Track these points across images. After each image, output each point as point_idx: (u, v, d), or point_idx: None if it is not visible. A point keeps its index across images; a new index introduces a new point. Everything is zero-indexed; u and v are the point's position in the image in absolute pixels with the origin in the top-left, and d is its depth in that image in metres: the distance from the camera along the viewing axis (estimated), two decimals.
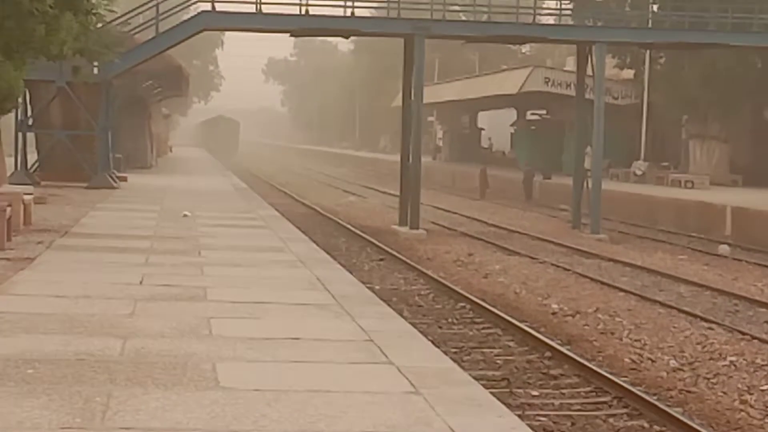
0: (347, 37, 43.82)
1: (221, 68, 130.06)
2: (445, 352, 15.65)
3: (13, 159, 37.26)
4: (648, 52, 50.45)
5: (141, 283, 14.08)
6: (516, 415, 12.20)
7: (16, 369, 8.68)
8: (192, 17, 35.04)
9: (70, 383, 8.28)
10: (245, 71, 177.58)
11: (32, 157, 39.32)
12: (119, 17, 34.23)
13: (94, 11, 22.61)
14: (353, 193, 56.93)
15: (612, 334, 17.79)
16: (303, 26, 35.08)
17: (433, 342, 16.37)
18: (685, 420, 11.96)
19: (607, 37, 36.58)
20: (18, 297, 12.66)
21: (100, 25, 27.52)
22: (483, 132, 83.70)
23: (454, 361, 15.10)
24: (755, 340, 17.14)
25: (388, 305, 19.13)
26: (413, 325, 17.67)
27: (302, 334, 10.71)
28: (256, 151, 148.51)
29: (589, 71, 36.35)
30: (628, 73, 56.73)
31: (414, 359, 9.85)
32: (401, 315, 18.74)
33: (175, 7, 36.77)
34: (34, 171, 37.60)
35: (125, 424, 7.24)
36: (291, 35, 36.69)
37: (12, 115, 34.68)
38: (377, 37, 51.79)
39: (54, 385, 8.21)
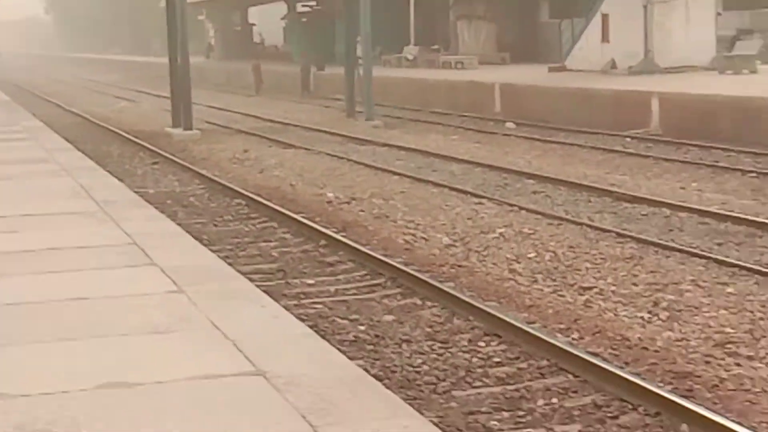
0: None
1: None
2: (221, 249, 15.72)
3: None
4: None
5: None
6: (292, 303, 12.44)
7: None
8: None
9: None
10: None
11: None
12: None
13: None
14: (125, 99, 55.62)
15: (387, 217, 17.99)
16: None
17: (208, 240, 16.43)
18: (455, 293, 12.24)
19: None
20: None
21: None
22: (255, 27, 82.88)
23: (230, 257, 15.20)
24: (522, 211, 17.65)
25: (159, 208, 19.05)
26: (187, 225, 17.66)
27: (62, 244, 10.50)
28: (21, 64, 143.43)
29: None
30: None
31: (179, 258, 9.79)
32: (176, 216, 18.71)
33: None
34: None
35: None
36: None
37: None
38: None
39: None
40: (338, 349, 10.12)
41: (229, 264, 14.38)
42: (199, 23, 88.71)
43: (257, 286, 13.07)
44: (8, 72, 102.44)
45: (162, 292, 8.41)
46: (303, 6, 69.48)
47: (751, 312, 11.15)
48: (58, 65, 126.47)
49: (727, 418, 7.99)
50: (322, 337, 10.73)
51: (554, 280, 13.11)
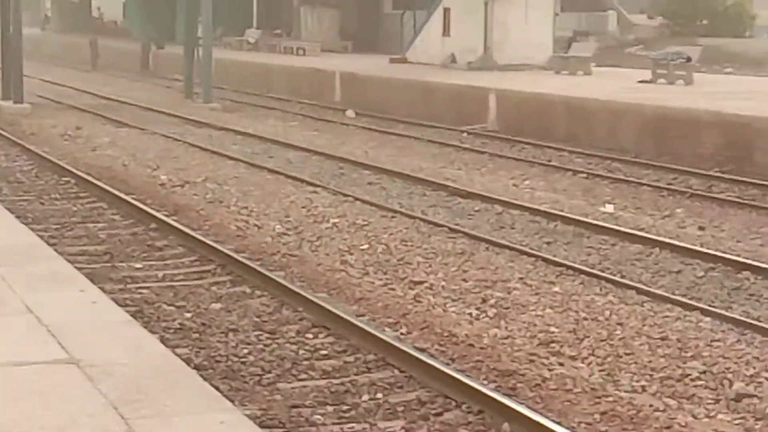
0: None
1: None
2: (46, 229, 15.31)
3: None
4: None
5: None
6: (118, 288, 12.15)
7: None
8: None
9: None
10: None
11: None
12: None
13: None
14: None
15: (220, 202, 17.79)
16: None
17: (33, 219, 15.98)
18: (285, 283, 12.11)
19: None
20: None
21: None
22: (93, 1, 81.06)
23: (55, 237, 14.79)
24: (357, 202, 17.61)
25: None
26: (12, 202, 17.22)
27: None
28: None
29: None
30: None
31: None
32: (1, 192, 18.17)
33: None
34: None
35: None
36: None
37: None
38: None
39: None
40: (162, 337, 9.97)
41: (54, 245, 14.09)
42: None
43: (82, 268, 12.81)
44: None
45: None
46: None
47: (576, 312, 11.29)
48: None
49: (547, 417, 8.04)
50: (146, 324, 10.57)
51: (385, 273, 13.09)
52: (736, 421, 8.31)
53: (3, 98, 33.46)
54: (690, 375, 9.34)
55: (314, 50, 46.73)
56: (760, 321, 11.10)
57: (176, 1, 54.40)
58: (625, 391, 8.96)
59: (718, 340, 10.36)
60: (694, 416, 8.41)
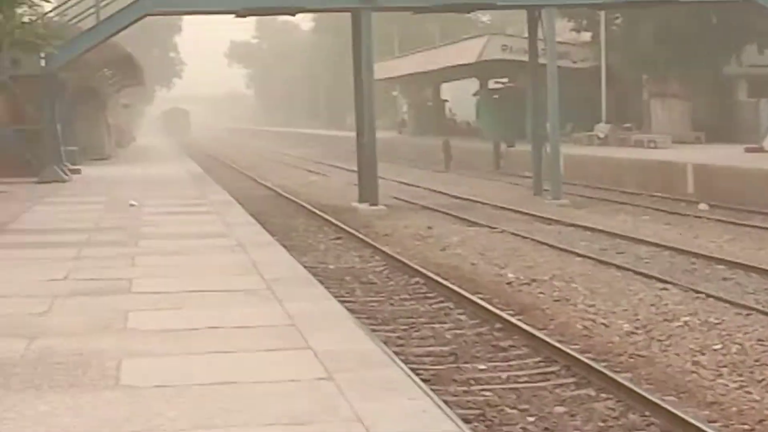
0: (293, 15, 43.06)
1: (183, 54, 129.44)
2: (394, 330, 15.41)
3: None
4: (603, 13, 50.00)
5: (65, 278, 13.68)
6: (461, 390, 11.99)
7: None
8: (133, 2, 34.28)
9: None
10: (208, 56, 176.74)
11: None
12: (56, 7, 33.61)
13: (22, 2, 22.05)
14: (317, 173, 56.55)
15: (566, 300, 17.44)
16: (247, 6, 34.47)
17: (382, 320, 16.14)
18: (632, 386, 11.57)
19: (556, 0, 36.11)
20: None
21: (34, 17, 27.02)
22: (447, 103, 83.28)
23: (402, 338, 14.86)
24: (710, 299, 16.81)
25: (336, 284, 18.93)
26: (363, 303, 17.49)
27: (222, 323, 10.31)
28: (221, 136, 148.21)
29: (541, 36, 35.92)
30: (586, 36, 56.33)
31: (334, 342, 9.44)
32: (353, 293, 18.54)
33: None
34: None
35: (5, 431, 6.82)
36: (236, 16, 36.02)
37: None
38: (337, 13, 50.99)
39: None
40: None
41: (401, 345, 14.20)
42: (392, 99, 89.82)
43: (427, 369, 12.82)
44: (208, 144, 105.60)
45: (311, 378, 8.05)
46: (495, 82, 69.42)
47: None
48: (257, 138, 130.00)
49: None
50: (488, 427, 10.35)
51: (741, 376, 12.33)
52: None
53: (360, 201, 34.58)
54: None
55: (665, 142, 45.88)
56: None
57: (525, 101, 55.10)
58: None
59: None
60: None
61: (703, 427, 9.96)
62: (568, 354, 13.24)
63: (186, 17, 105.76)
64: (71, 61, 35.12)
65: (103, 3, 34.80)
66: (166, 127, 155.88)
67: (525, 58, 50.71)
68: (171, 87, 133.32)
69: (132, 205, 24.62)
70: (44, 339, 9.67)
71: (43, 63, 34.05)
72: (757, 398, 11.34)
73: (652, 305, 16.55)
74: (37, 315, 10.96)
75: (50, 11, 33.46)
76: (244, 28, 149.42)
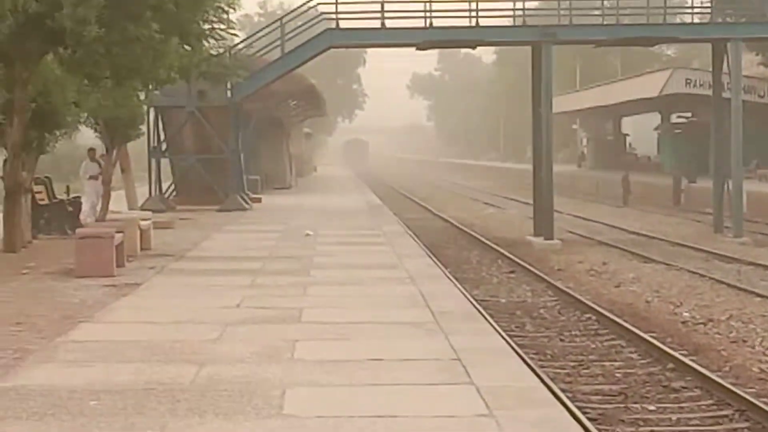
0: (474, 48, 43.12)
1: (365, 86, 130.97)
2: (563, 366, 15.23)
3: (147, 185, 37.95)
4: None
5: (238, 306, 13.99)
6: (629, 431, 11.75)
7: (78, 401, 8.54)
8: (317, 35, 34.94)
9: (128, 415, 8.08)
10: (390, 88, 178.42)
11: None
12: (243, 40, 34.45)
13: (208, 35, 22.64)
14: (493, 205, 56.47)
15: (744, 342, 16.96)
16: (427, 39, 34.85)
17: (551, 355, 15.98)
18: None
19: (742, 33, 35.34)
20: (108, 325, 12.67)
21: (221, 49, 27.75)
22: (627, 137, 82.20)
23: (571, 375, 14.67)
24: None
25: (506, 319, 18.82)
26: (533, 338, 17.35)
27: (386, 355, 10.38)
28: (401, 168, 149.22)
29: (726, 69, 35.18)
30: None
31: (497, 379, 9.41)
32: (523, 328, 18.42)
33: (301, 26, 36.83)
34: (170, 196, 38.04)
35: None
36: (417, 48, 36.34)
37: (145, 141, 35.32)
38: (519, 47, 50.90)
39: (110, 417, 8.01)
40: None
41: (569, 383, 14.02)
42: (572, 132, 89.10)
43: (594, 408, 12.63)
44: (388, 175, 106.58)
45: (471, 415, 8.04)
46: (678, 117, 68.18)
47: None
48: (436, 170, 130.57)
49: None
50: None
51: None
52: None
53: (535, 234, 34.37)
54: None
55: None
56: None
57: (709, 136, 53.96)
58: None
59: None
60: None
61: None
62: (742, 397, 12.87)
63: (369, 50, 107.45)
64: (256, 92, 35.94)
65: (289, 36, 35.52)
66: (346, 156, 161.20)
67: (710, 92, 49.93)
68: (353, 118, 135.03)
69: (308, 235, 25.01)
70: (213, 366, 9.89)
71: (229, 94, 35.04)
72: None
73: None
74: (208, 342, 11.22)
75: (238, 44, 34.28)
76: (426, 61, 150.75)
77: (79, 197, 26.32)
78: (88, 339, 11.53)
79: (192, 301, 14.42)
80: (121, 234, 18.10)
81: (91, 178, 26.67)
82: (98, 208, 26.10)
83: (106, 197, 26.58)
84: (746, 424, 12.01)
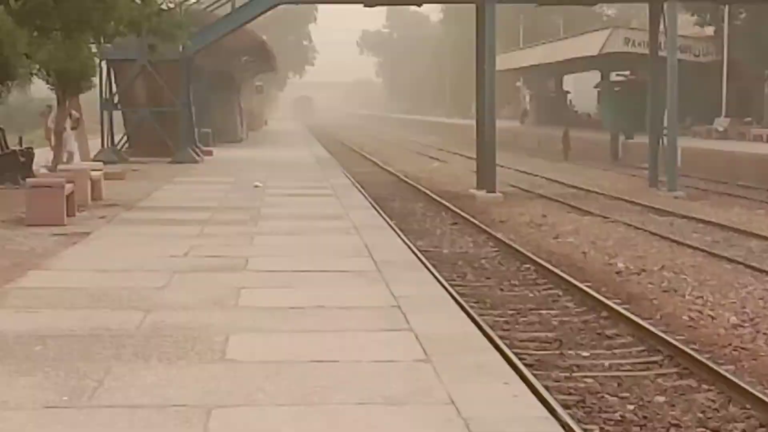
0: (420, 5, 42.88)
1: (316, 43, 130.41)
2: (502, 314, 15.30)
3: (100, 137, 37.57)
4: (726, 7, 48.87)
5: (186, 254, 13.96)
6: (563, 376, 11.84)
7: (24, 346, 8.53)
8: None
9: (74, 360, 8.07)
10: (341, 45, 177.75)
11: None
12: None
13: None
14: (439, 159, 56.51)
15: (675, 291, 17.08)
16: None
17: (491, 305, 16.03)
18: (734, 378, 11.31)
19: None
20: (57, 272, 12.60)
21: (172, 4, 27.41)
22: (569, 95, 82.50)
23: (509, 323, 14.74)
24: None
25: (449, 269, 18.86)
26: (474, 288, 17.40)
27: (328, 303, 10.41)
28: (349, 122, 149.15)
29: (663, 29, 35.29)
30: (709, 30, 55.18)
31: (435, 325, 9.45)
32: (464, 278, 18.45)
33: None
34: (122, 148, 37.68)
35: (112, 401, 6.99)
36: (364, 5, 36.09)
37: (97, 94, 34.93)
38: (465, 4, 50.76)
39: (56, 362, 7.99)
40: (601, 428, 9.58)
41: (507, 330, 14.09)
42: (516, 89, 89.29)
43: (531, 354, 12.71)
44: (336, 129, 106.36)
45: (409, 360, 8.07)
46: (617, 75, 68.40)
47: None
48: (383, 125, 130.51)
49: None
50: (586, 415, 10.21)
51: None
52: None
53: (478, 188, 34.40)
54: None
55: None
56: None
57: (646, 94, 54.20)
58: None
59: None
60: None
61: None
62: (671, 344, 12.99)
63: (320, 8, 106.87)
64: (207, 47, 35.59)
65: None
66: (295, 111, 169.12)
67: (647, 51, 50.11)
68: (303, 73, 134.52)
69: (256, 186, 24.90)
70: (158, 312, 9.86)
71: (180, 48, 34.64)
72: None
73: (760, 299, 16.14)
74: (154, 289, 11.18)
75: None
76: (375, 18, 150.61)
77: (31, 148, 26.05)
78: (37, 286, 11.47)
79: (141, 250, 14.36)
80: (71, 184, 17.96)
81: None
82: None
83: (57, 148, 26.30)
84: (675, 369, 12.11)
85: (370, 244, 15.01)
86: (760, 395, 10.63)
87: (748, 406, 10.48)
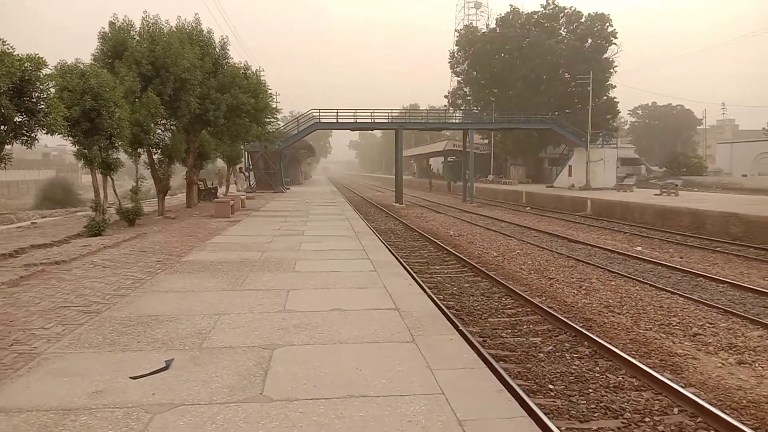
0: (372, 130, 42.44)
1: (331, 143, 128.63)
2: (402, 250, 14.87)
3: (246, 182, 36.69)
4: (492, 132, 48.95)
5: (279, 229, 13.64)
6: (427, 277, 11.68)
7: (213, 265, 8.38)
8: (310, 125, 34.15)
9: (233, 270, 7.95)
10: (341, 145, 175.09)
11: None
12: (285, 125, 33.23)
13: (268, 123, 21.93)
14: (379, 190, 55.77)
15: (472, 243, 16.78)
16: (355, 127, 34.25)
17: (397, 248, 15.67)
18: (495, 276, 11.17)
19: (474, 126, 35.50)
20: (226, 236, 12.28)
21: (272, 129, 26.89)
22: (432, 166, 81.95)
23: (406, 257, 14.35)
24: (530, 245, 16.30)
25: (382, 235, 18.55)
26: (391, 242, 17.06)
27: (335, 248, 10.24)
28: (344, 177, 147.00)
29: (468, 140, 35.22)
30: (486, 140, 55.07)
31: (378, 257, 9.40)
32: (388, 238, 17.90)
33: (306, 120, 35.94)
34: (252, 187, 36.96)
35: (250, 287, 6.89)
36: (351, 131, 35.70)
37: (243, 164, 34.02)
38: (390, 130, 50.15)
39: (225, 272, 7.89)
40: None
41: (405, 258, 13.80)
42: (411, 163, 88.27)
43: (414, 268, 12.27)
44: (338, 180, 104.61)
45: (367, 270, 8.05)
46: (450, 158, 67.47)
47: (621, 293, 9.73)
48: (358, 179, 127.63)
49: None
50: (438, 290, 10.03)
51: (536, 273, 11.79)
52: None
53: (395, 202, 33.77)
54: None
55: (513, 182, 44.49)
56: None
57: (462, 165, 53.82)
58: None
59: None
60: None
61: (486, 271, 9.68)
62: (471, 264, 12.93)
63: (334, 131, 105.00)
64: (288, 146, 34.99)
65: (301, 124, 34.58)
66: (323, 173, 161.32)
67: (461, 148, 49.90)
68: (327, 157, 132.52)
69: (307, 202, 24.47)
70: (267, 252, 9.70)
71: (276, 146, 33.91)
72: (544, 284, 10.94)
73: (506, 246, 16.04)
74: (265, 242, 10.98)
75: (281, 126, 33.25)
76: (355, 135, 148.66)
77: (215, 186, 25.48)
78: (218, 242, 11.20)
79: (260, 227, 13.99)
80: (233, 201, 17.59)
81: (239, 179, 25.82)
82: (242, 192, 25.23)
83: (227, 187, 25.69)
84: (472, 273, 11.93)
85: (353, 224, 14.70)
86: (505, 282, 10.60)
87: (501, 288, 10.39)
